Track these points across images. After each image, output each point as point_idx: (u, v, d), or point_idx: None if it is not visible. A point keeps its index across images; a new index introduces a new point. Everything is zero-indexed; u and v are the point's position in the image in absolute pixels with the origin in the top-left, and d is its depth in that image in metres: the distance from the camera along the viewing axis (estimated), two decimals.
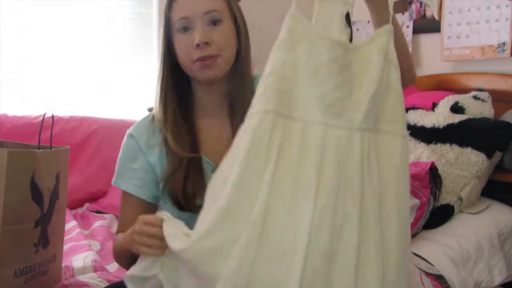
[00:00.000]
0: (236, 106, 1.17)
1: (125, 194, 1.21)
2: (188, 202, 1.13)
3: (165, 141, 1.16)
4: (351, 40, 0.97)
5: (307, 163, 0.88)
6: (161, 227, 0.96)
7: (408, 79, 1.07)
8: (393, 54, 0.96)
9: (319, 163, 0.88)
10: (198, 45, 1.10)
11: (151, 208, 1.20)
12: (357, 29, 3.01)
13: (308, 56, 0.93)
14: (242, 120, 1.06)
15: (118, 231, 1.22)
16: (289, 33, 0.94)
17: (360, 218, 0.88)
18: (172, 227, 0.97)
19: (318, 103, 0.91)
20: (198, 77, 1.14)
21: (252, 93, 1.06)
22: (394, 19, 1.01)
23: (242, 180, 0.88)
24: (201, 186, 1.10)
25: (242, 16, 1.19)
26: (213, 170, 1.14)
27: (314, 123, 0.91)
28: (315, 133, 0.90)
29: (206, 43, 1.10)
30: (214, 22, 1.12)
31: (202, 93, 1.19)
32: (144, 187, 1.19)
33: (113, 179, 1.22)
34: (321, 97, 0.91)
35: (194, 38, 1.10)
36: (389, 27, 0.98)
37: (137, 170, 1.18)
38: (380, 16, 1.05)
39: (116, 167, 1.22)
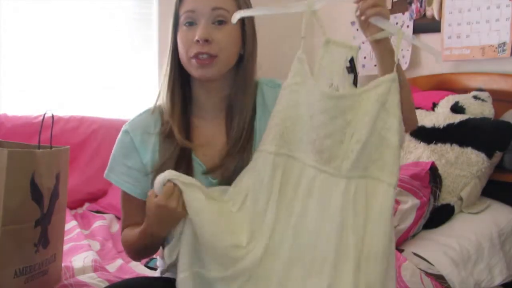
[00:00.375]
0: (234, 112, 1.17)
1: (122, 191, 1.21)
2: None
3: (163, 132, 1.15)
4: (355, 83, 1.02)
5: (296, 204, 1.02)
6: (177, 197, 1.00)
7: (407, 128, 1.07)
8: (392, 103, 0.99)
9: (305, 206, 1.01)
10: (198, 40, 1.08)
11: None
12: (357, 29, 3.01)
13: (306, 102, 1.03)
14: (238, 126, 1.09)
15: (125, 226, 1.22)
16: (294, 77, 1.06)
17: (336, 252, 0.97)
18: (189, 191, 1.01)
19: (311, 147, 1.02)
20: (193, 74, 1.13)
21: (252, 99, 1.10)
22: (399, 68, 1.02)
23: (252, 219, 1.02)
24: None
25: (252, 22, 1.17)
26: (203, 172, 1.15)
27: (309, 166, 1.02)
28: (308, 175, 1.01)
29: (207, 40, 1.09)
30: (220, 22, 1.10)
31: (200, 92, 1.19)
32: (137, 187, 1.18)
33: (106, 171, 1.21)
34: (313, 143, 1.02)
35: (196, 33, 1.09)
36: (392, 76, 1.00)
37: (130, 168, 1.18)
38: (385, 63, 1.05)
39: (110, 160, 1.22)
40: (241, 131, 1.15)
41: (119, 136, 1.22)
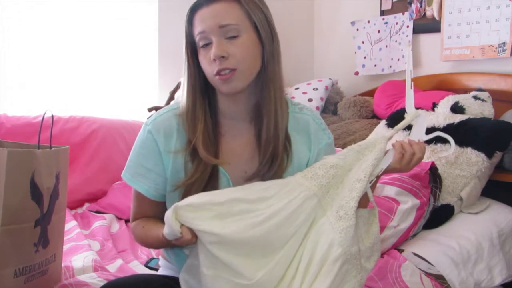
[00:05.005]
0: (263, 116, 1.16)
1: (136, 189, 1.20)
2: None
3: (189, 147, 1.14)
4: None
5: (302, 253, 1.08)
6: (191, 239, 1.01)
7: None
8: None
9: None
10: (214, 59, 1.09)
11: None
12: (357, 29, 3.01)
13: (354, 174, 1.11)
14: (268, 133, 1.14)
15: (135, 218, 1.22)
16: (365, 148, 1.14)
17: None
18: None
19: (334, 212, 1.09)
20: (222, 90, 1.13)
21: (283, 101, 1.18)
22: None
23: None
24: None
25: (267, 22, 1.14)
26: (228, 182, 1.15)
27: (329, 222, 1.08)
28: (326, 230, 1.08)
29: (222, 57, 1.09)
30: (232, 37, 1.10)
31: (226, 103, 1.18)
32: (154, 189, 1.18)
33: (123, 171, 1.20)
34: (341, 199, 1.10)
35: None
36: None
37: (149, 171, 1.16)
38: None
39: (128, 158, 1.20)
40: (271, 140, 1.15)
41: (140, 134, 1.18)
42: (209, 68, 1.11)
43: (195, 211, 1.00)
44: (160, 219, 1.17)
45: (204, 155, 1.12)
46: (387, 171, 1.15)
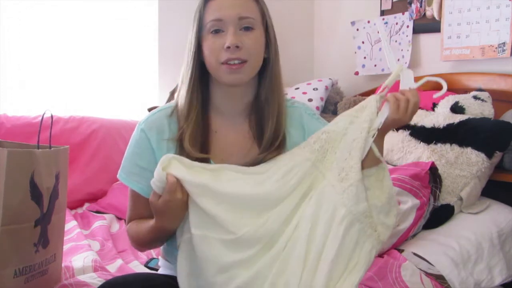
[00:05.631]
0: (264, 116, 1.18)
1: (132, 189, 1.21)
2: None
3: (181, 138, 1.15)
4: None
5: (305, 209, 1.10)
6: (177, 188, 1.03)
7: None
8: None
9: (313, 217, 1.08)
10: (228, 47, 1.10)
11: None
12: (357, 29, 3.01)
13: (350, 135, 1.13)
14: (270, 131, 1.17)
15: (130, 219, 1.22)
16: (358, 110, 1.15)
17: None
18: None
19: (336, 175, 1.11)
20: (223, 80, 1.14)
21: (283, 102, 1.20)
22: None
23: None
24: None
25: (272, 26, 1.21)
26: None
27: (331, 185, 1.10)
28: (327, 193, 1.09)
29: (237, 46, 1.11)
30: (247, 28, 1.13)
31: (220, 96, 1.19)
32: (149, 186, 1.17)
33: (119, 171, 1.21)
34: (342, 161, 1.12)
35: (225, 40, 1.11)
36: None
37: (144, 169, 1.17)
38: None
39: (123, 159, 1.21)
40: (273, 139, 1.17)
41: (134, 134, 1.20)
42: (216, 55, 1.12)
43: (190, 167, 1.05)
44: None
45: (188, 147, 1.13)
46: (388, 124, 1.15)
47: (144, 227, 1.15)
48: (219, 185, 1.05)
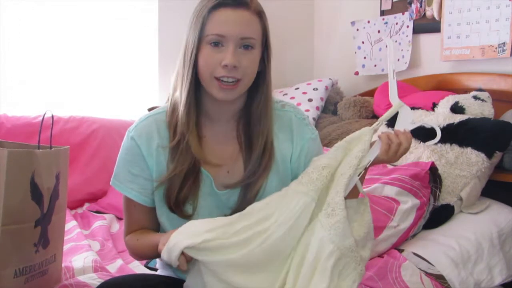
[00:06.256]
0: (252, 123, 1.18)
1: (127, 196, 1.21)
2: (177, 207, 1.15)
3: (177, 145, 1.14)
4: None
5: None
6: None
7: None
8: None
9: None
10: (226, 65, 1.09)
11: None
12: (357, 29, 3.01)
13: (340, 168, 1.12)
14: (257, 139, 1.16)
15: (128, 232, 1.22)
16: (349, 142, 1.13)
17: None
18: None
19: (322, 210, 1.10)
20: (213, 94, 1.13)
21: (271, 110, 1.18)
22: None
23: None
24: (194, 194, 1.15)
25: (270, 42, 1.18)
26: (211, 184, 1.16)
27: (318, 220, 1.09)
28: (315, 233, 1.08)
29: (235, 66, 1.09)
30: (246, 47, 1.11)
31: (211, 102, 1.18)
32: (143, 194, 1.18)
33: (112, 178, 1.21)
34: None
35: (223, 56, 1.09)
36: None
37: (137, 176, 1.17)
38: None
39: (115, 166, 1.21)
40: (262, 146, 1.16)
41: (124, 142, 1.20)
42: (211, 69, 1.10)
43: (201, 250, 1.02)
44: (154, 229, 1.21)
45: (196, 151, 1.13)
46: (375, 162, 1.15)
47: (146, 243, 1.15)
48: (231, 255, 1.04)
